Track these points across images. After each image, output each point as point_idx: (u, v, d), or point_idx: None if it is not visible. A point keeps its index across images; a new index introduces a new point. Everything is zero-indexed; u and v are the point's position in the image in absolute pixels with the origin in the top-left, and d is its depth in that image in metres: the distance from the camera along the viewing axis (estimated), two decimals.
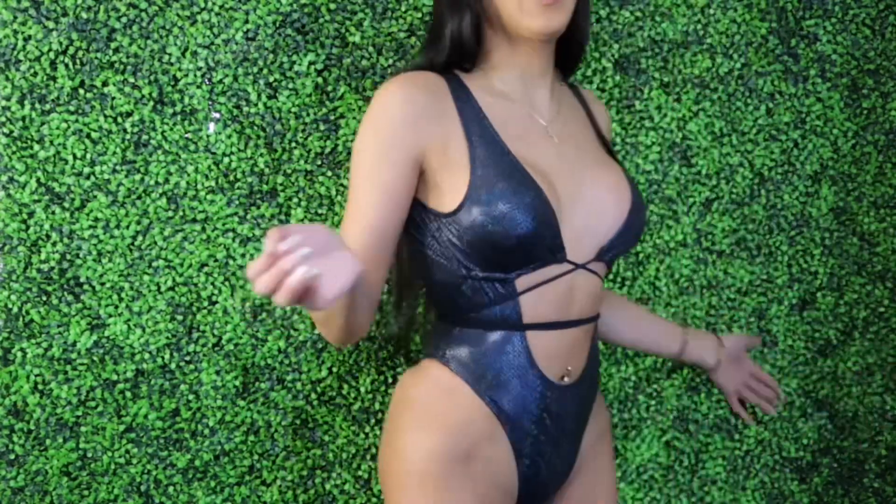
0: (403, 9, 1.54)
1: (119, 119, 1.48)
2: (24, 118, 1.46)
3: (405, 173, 1.08)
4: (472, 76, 1.17)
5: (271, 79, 1.50)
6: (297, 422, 1.54)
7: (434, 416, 1.12)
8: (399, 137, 1.08)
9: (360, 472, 1.56)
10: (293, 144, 1.51)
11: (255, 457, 1.53)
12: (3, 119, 1.46)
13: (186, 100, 1.49)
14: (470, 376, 1.13)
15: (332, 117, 1.52)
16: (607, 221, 1.14)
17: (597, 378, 1.22)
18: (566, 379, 1.15)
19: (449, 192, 1.09)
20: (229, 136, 1.49)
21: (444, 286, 1.13)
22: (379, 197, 1.08)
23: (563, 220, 1.11)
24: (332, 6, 1.52)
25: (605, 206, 1.15)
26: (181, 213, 1.49)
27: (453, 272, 1.11)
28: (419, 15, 1.55)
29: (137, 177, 1.48)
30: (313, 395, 1.54)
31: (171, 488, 1.51)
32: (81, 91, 1.47)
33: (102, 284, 1.48)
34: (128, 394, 1.50)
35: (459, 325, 1.14)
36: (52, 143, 1.47)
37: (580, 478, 1.22)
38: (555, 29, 1.11)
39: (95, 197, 1.48)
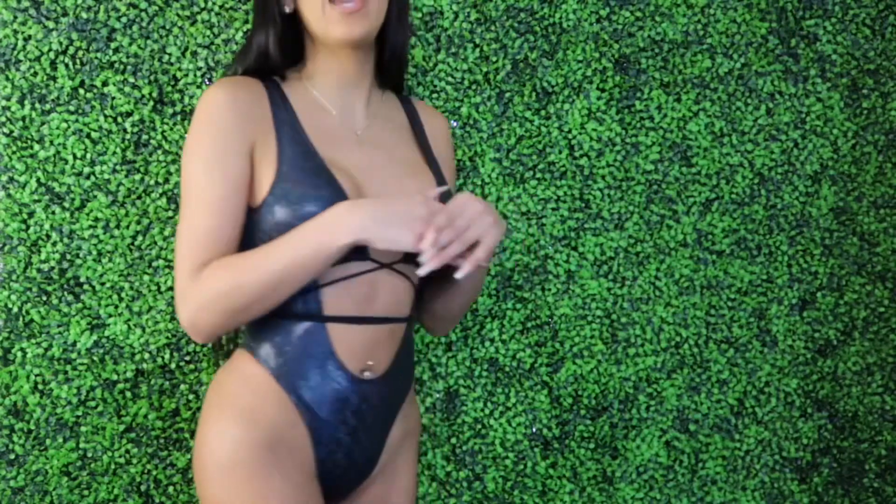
0: None
1: (119, 119, 1.48)
2: (24, 118, 1.46)
3: (246, 165, 1.15)
4: (290, 83, 1.24)
5: None
6: None
7: (239, 407, 1.15)
8: (238, 129, 1.14)
9: None
10: None
11: None
12: (3, 119, 1.46)
13: (186, 100, 1.49)
14: (273, 365, 1.16)
15: None
16: None
17: (407, 379, 1.25)
18: (367, 373, 1.18)
19: (258, 188, 1.15)
20: None
21: None
22: (228, 187, 1.13)
23: None
24: None
25: None
26: None
27: None
28: (419, 15, 1.55)
29: (137, 177, 1.48)
30: None
31: (171, 488, 1.51)
32: (81, 91, 1.47)
33: (102, 284, 1.48)
34: (128, 394, 1.50)
35: (268, 316, 1.17)
36: (52, 143, 1.47)
37: (382, 476, 1.25)
38: (356, 36, 1.17)
39: (95, 197, 1.48)
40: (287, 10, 1.21)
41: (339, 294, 1.16)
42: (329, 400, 1.17)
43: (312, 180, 1.13)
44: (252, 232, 1.15)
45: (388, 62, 1.28)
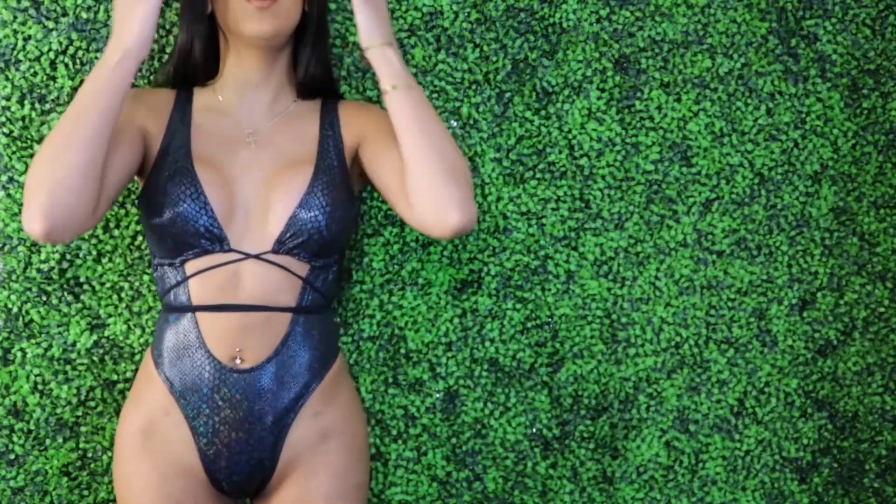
0: (403, 9, 1.55)
1: None
2: (24, 118, 1.46)
3: (132, 128, 1.24)
4: (203, 92, 1.34)
5: None
6: None
7: (132, 393, 1.29)
8: (133, 106, 1.26)
9: None
10: None
11: None
12: (3, 119, 1.46)
13: None
14: (155, 356, 1.26)
15: None
16: (275, 216, 1.25)
17: (305, 373, 1.26)
18: (238, 361, 1.22)
19: (143, 181, 1.29)
20: None
21: (154, 274, 1.31)
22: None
23: (237, 215, 1.24)
24: (332, 6, 1.52)
25: (273, 202, 1.25)
26: None
27: (153, 261, 1.30)
28: (419, 15, 1.55)
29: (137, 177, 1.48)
30: None
31: None
32: None
33: (102, 284, 1.48)
34: (128, 394, 1.50)
35: (161, 308, 1.30)
36: None
37: (296, 477, 1.25)
38: (264, 32, 1.23)
39: None
40: (208, 10, 1.29)
41: (205, 284, 1.23)
42: (199, 387, 1.22)
43: (170, 173, 1.23)
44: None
45: (306, 76, 1.33)
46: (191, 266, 1.24)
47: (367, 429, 1.33)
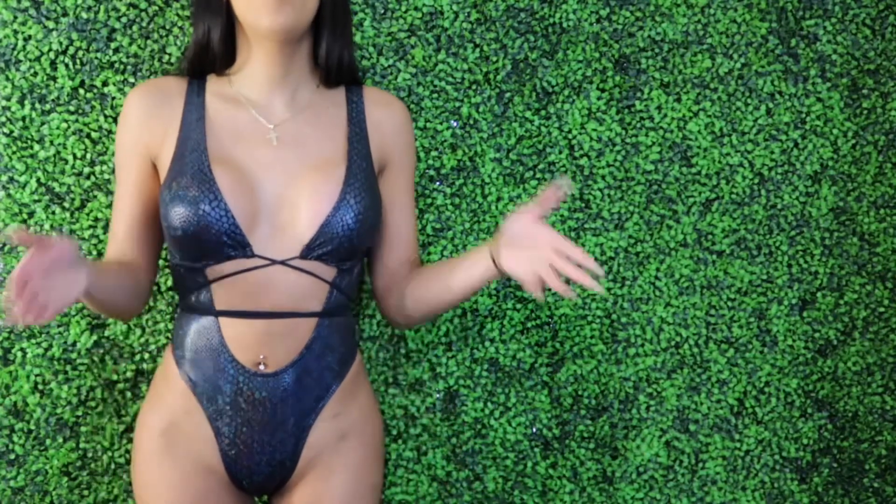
0: (403, 9, 1.55)
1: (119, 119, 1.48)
2: (24, 118, 1.46)
3: (141, 167, 1.26)
4: (217, 80, 1.29)
5: None
6: None
7: (152, 393, 1.27)
8: (130, 137, 1.26)
9: None
10: None
11: None
12: (3, 119, 1.46)
13: None
14: (177, 356, 1.24)
15: None
16: (304, 222, 1.21)
17: (327, 376, 1.25)
18: (262, 366, 1.21)
19: (160, 183, 1.26)
20: None
21: (172, 272, 1.28)
22: (125, 190, 1.27)
23: (261, 219, 1.21)
24: None
25: (303, 207, 1.21)
26: None
27: (171, 260, 1.26)
28: (419, 15, 1.55)
29: None
30: None
31: None
32: (81, 91, 1.48)
33: None
34: (128, 394, 1.50)
35: (180, 309, 1.27)
36: (52, 143, 1.47)
37: (314, 476, 1.26)
38: (282, 25, 1.19)
39: (95, 197, 1.48)
40: (223, 1, 1.24)
41: (228, 290, 1.20)
42: (222, 391, 1.21)
43: (188, 179, 1.19)
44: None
45: (328, 64, 1.28)
46: (213, 271, 1.21)
47: (383, 427, 1.32)
